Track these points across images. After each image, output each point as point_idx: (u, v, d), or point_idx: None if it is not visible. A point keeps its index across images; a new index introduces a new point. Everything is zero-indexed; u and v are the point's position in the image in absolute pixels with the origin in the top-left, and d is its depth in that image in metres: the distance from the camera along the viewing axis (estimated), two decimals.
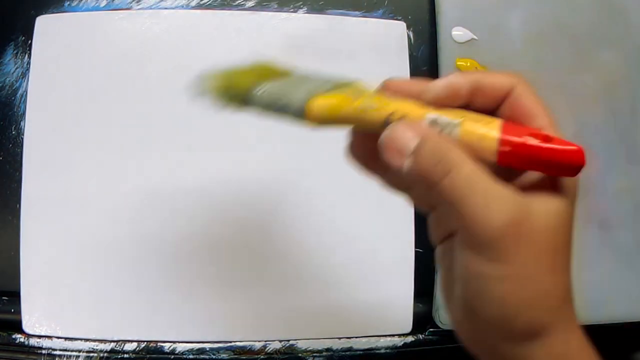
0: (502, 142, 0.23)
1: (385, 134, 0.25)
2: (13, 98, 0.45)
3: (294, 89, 0.26)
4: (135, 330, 0.44)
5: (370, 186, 0.46)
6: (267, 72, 0.28)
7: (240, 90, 0.27)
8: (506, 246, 0.23)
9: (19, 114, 0.44)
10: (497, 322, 0.24)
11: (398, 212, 0.46)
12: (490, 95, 0.26)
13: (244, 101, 0.27)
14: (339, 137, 0.46)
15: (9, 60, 0.45)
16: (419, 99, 0.26)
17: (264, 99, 0.27)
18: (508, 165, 0.24)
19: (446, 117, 0.24)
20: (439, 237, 0.27)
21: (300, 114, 0.25)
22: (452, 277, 0.26)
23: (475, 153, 0.24)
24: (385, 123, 0.25)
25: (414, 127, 0.24)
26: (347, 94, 0.26)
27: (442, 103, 0.25)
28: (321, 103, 0.25)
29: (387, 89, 0.27)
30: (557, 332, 0.24)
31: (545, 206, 0.24)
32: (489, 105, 0.26)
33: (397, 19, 0.47)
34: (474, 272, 0.24)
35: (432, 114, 0.24)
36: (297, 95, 0.26)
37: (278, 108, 0.26)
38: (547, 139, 0.24)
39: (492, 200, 0.23)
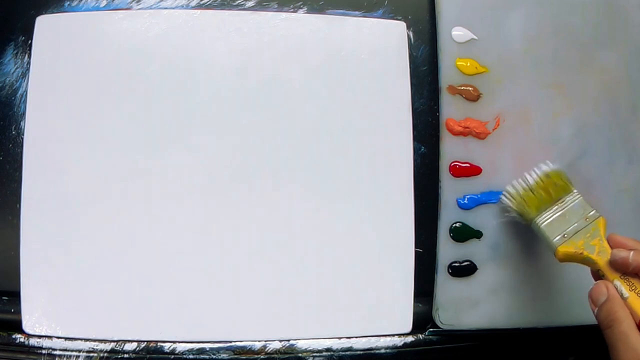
0: None
1: (593, 287, 0.39)
2: (13, 98, 0.45)
3: (556, 228, 0.42)
4: (135, 330, 0.44)
5: (370, 186, 0.46)
6: (552, 188, 0.43)
7: (526, 217, 0.44)
8: None
9: (19, 114, 0.44)
10: None
11: (398, 213, 0.46)
12: None
13: (529, 223, 0.44)
14: (340, 139, 0.46)
15: (9, 60, 0.45)
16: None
17: (535, 230, 0.43)
18: None
19: (622, 286, 0.38)
20: None
21: (552, 251, 0.42)
22: None
23: (635, 315, 0.36)
24: (597, 271, 0.40)
25: (606, 287, 0.38)
26: (582, 242, 0.41)
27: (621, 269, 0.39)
28: (562, 252, 0.41)
29: (610, 239, 0.40)
30: None
31: None
32: None
33: (397, 19, 0.47)
34: None
35: (617, 281, 0.38)
36: (554, 239, 0.42)
37: (542, 239, 0.43)
38: None
39: (633, 352, 0.34)
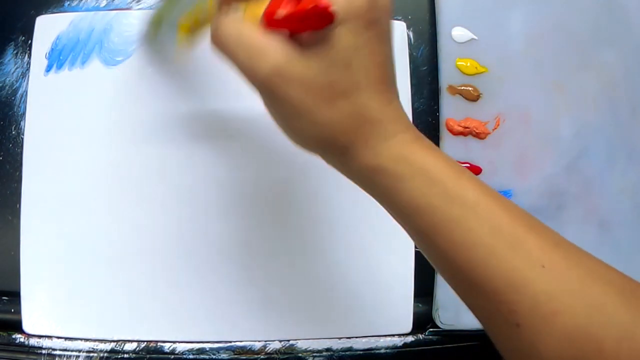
0: (264, 18, 0.29)
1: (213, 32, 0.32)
2: (13, 98, 0.45)
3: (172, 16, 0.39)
4: (135, 330, 0.44)
5: None
6: None
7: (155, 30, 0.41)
8: (273, 90, 0.28)
9: (19, 114, 0.44)
10: (301, 145, 0.31)
11: None
12: None
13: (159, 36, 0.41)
14: None
15: (9, 60, 0.45)
16: None
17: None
18: (278, 30, 0.29)
19: (237, 5, 0.32)
20: None
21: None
22: None
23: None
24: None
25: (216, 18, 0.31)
26: (197, 14, 0.37)
27: None
28: (182, 30, 0.38)
29: None
30: (358, 148, 0.29)
31: (303, 56, 0.28)
32: None
33: (397, 19, 0.47)
34: (267, 111, 0.31)
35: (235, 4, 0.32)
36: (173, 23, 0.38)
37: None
38: (295, 5, 0.29)
39: (256, 53, 0.28)
